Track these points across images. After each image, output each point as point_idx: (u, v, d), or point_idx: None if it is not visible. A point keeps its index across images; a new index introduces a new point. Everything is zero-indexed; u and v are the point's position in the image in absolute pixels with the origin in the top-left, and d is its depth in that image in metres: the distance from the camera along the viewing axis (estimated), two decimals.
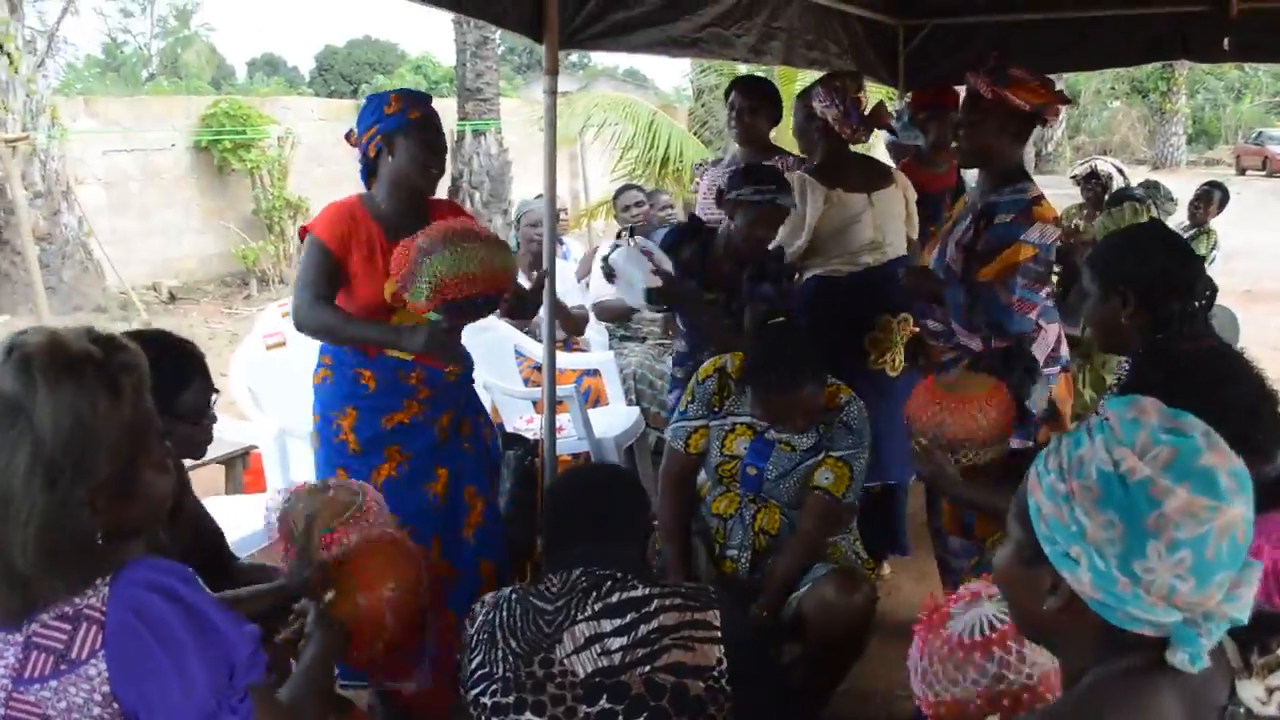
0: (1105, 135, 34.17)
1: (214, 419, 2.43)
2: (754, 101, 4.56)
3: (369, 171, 3.26)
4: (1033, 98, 3.32)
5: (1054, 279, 3.92)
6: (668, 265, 3.78)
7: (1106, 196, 6.49)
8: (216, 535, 2.68)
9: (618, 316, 5.37)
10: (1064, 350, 3.59)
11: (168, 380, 2.07)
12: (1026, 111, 3.32)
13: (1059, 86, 3.47)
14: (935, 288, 3.54)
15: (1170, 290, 2.47)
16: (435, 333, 3.01)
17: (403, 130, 3.13)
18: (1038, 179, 3.61)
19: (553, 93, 3.98)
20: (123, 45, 36.08)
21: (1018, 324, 3.29)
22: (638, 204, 5.68)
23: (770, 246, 3.85)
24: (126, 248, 12.32)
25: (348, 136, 3.29)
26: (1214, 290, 2.56)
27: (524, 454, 4.08)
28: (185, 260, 13.43)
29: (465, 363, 3.38)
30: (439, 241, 2.91)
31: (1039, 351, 3.44)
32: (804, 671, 3.01)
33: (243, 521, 3.44)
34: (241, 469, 4.80)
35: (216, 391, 2.43)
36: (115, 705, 1.46)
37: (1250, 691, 1.29)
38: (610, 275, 3.98)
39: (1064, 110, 27.13)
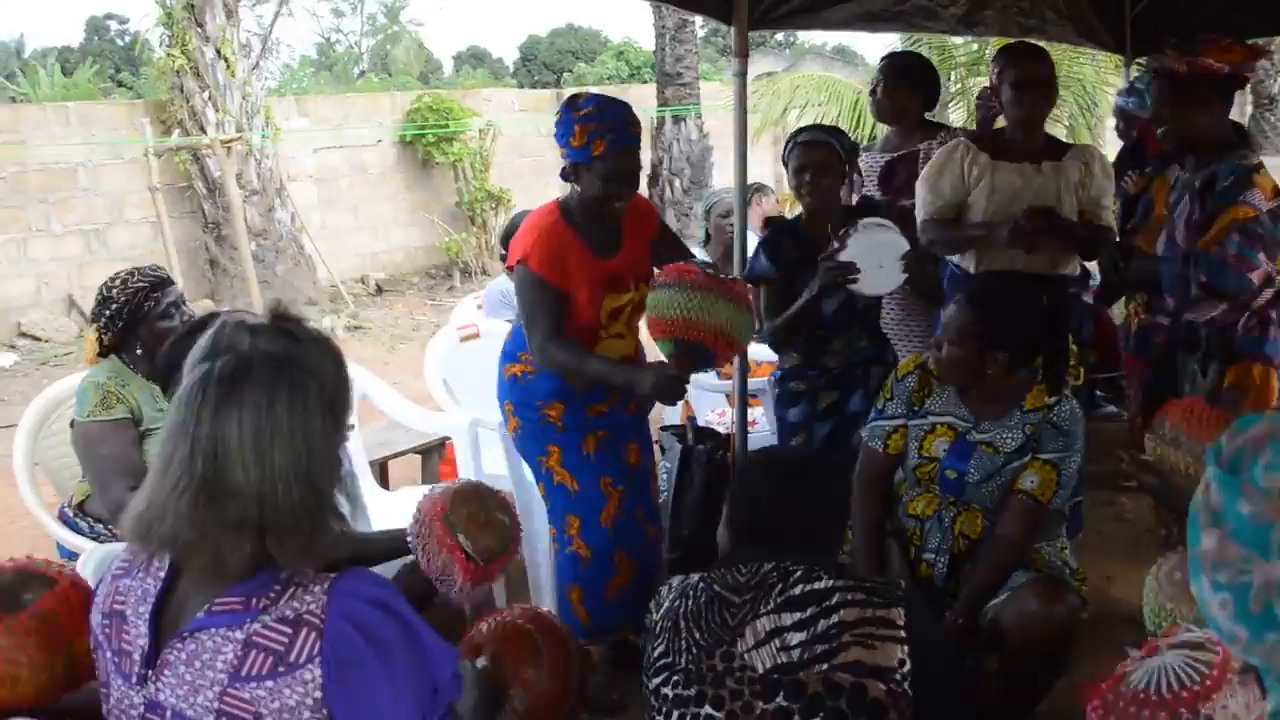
0: None
1: None
2: (892, 79, 4.18)
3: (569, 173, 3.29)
4: (1229, 56, 3.13)
5: None
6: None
7: None
8: None
9: None
10: None
11: None
12: (1226, 74, 3.13)
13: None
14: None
15: None
16: (661, 378, 3.13)
17: (587, 166, 3.16)
18: None
19: (742, 75, 3.86)
20: (335, 44, 37.61)
21: (1234, 281, 3.10)
22: None
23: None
24: (336, 242, 12.77)
25: None
26: None
27: (715, 448, 3.99)
28: (392, 253, 13.80)
29: None
30: (688, 286, 3.07)
31: None
32: (1001, 687, 2.81)
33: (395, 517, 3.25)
34: (438, 459, 4.87)
35: None
36: (324, 711, 1.50)
37: None
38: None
39: None
